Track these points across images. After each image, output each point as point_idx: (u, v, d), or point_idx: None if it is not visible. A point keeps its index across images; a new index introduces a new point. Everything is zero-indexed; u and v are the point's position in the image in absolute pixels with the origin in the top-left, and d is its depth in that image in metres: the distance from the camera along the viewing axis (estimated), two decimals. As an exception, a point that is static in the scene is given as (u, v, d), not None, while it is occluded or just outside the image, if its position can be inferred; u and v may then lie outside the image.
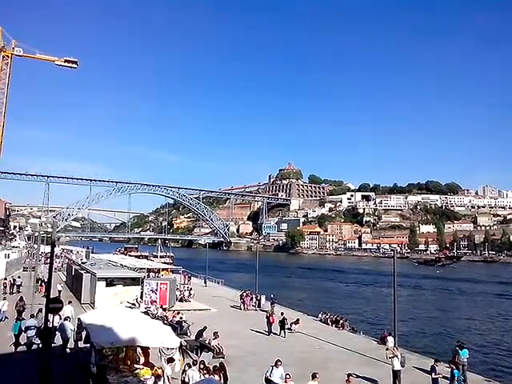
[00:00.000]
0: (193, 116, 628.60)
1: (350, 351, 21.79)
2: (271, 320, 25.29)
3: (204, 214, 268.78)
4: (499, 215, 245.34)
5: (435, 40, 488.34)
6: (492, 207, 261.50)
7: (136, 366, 13.63)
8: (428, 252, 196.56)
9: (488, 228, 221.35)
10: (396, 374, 16.18)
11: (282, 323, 24.87)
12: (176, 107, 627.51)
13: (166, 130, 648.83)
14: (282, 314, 26.40)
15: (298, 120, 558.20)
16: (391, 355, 16.80)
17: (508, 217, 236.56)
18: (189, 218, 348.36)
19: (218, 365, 14.11)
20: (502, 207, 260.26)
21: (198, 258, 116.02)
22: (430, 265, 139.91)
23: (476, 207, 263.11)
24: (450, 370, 15.82)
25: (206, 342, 19.83)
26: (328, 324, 29.68)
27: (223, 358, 18.38)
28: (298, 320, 26.63)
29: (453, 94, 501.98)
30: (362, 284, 77.85)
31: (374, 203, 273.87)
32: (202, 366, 13.56)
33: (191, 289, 39.71)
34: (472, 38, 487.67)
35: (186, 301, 35.84)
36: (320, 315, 31.70)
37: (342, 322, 29.29)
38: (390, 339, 20.76)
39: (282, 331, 24.78)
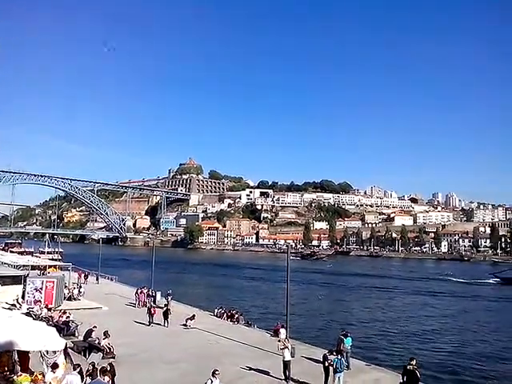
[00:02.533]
0: (89, 104, 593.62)
1: (245, 345, 22.15)
2: (152, 311, 26.63)
3: (98, 207, 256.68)
4: (384, 213, 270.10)
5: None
6: (378, 206, 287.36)
7: (13, 373, 12.39)
8: (321, 247, 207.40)
9: (374, 225, 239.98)
10: (286, 365, 16.76)
11: (165, 314, 26.08)
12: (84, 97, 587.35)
13: (54, 114, 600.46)
14: (166, 305, 28.05)
15: (201, 115, 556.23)
16: (282, 346, 17.39)
17: (391, 215, 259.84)
18: (81, 211, 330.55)
19: (106, 366, 13.40)
20: (387, 206, 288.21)
21: (90, 253, 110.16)
22: (307, 259, 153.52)
23: (364, 206, 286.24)
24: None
25: (96, 342, 18.87)
26: (223, 319, 29.95)
27: (113, 358, 17.63)
28: (193, 316, 26.55)
29: (346, 94, 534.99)
30: (258, 279, 79.72)
31: (272, 200, 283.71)
32: (90, 368, 12.81)
33: (81, 286, 37.54)
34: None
35: (75, 299, 33.78)
36: (216, 310, 31.89)
37: (237, 316, 29.79)
38: (283, 331, 21.43)
39: (166, 321, 25.93)
